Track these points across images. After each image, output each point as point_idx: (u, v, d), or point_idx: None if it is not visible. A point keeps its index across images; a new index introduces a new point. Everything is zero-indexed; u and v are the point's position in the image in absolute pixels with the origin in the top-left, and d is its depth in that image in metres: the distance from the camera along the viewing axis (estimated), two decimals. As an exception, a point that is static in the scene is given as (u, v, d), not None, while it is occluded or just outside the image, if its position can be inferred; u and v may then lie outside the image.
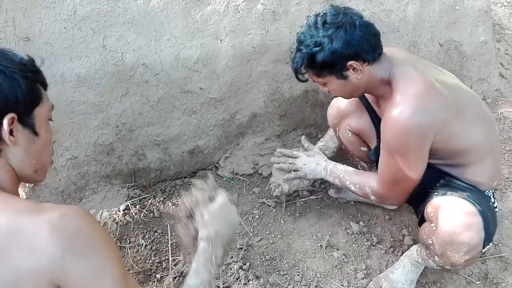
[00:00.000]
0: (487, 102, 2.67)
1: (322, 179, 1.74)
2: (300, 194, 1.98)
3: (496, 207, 1.46)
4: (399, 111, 1.29)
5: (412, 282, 1.59)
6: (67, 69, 1.63)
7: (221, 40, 1.85)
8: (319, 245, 1.77)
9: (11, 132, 0.84)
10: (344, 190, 1.94)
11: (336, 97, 1.54)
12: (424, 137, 1.31)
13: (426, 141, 1.33)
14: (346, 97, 1.54)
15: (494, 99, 2.69)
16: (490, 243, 1.42)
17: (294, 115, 2.19)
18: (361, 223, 1.87)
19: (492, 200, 1.45)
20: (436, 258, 1.41)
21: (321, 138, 1.97)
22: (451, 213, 1.33)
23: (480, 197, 1.39)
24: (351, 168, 1.64)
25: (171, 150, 1.97)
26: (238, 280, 1.62)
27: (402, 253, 1.68)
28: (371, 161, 1.74)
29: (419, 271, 1.60)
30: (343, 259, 1.72)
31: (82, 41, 1.64)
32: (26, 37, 1.57)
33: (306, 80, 1.50)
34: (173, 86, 1.83)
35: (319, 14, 1.37)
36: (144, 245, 1.73)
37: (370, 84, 1.42)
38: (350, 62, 1.34)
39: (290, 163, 1.79)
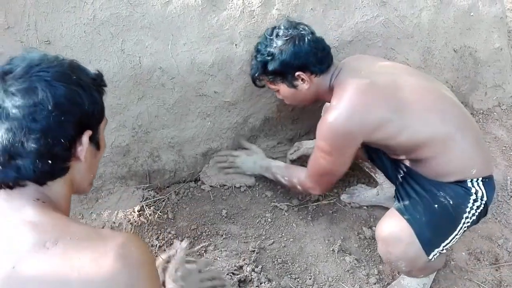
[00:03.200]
0: (502, 109, 2.65)
1: (263, 176, 1.96)
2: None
3: (482, 197, 1.38)
4: (329, 114, 1.40)
5: (425, 285, 1.59)
6: (86, 72, 1.67)
7: (236, 44, 1.87)
8: (331, 249, 1.78)
9: None
10: (357, 195, 1.97)
11: (288, 104, 1.72)
12: (349, 139, 1.41)
13: (352, 142, 1.42)
14: (298, 104, 1.72)
15: (509, 106, 2.67)
16: (438, 249, 1.39)
17: (307, 119, 2.20)
18: (373, 228, 1.87)
19: (474, 190, 1.38)
20: None
21: None
22: (379, 232, 1.44)
23: (426, 199, 1.40)
24: (282, 163, 1.87)
25: (185, 152, 1.99)
26: (250, 282, 1.63)
27: (415, 259, 1.68)
28: (368, 159, 1.79)
29: (432, 275, 1.60)
30: (355, 263, 1.72)
31: (101, 45, 1.68)
32: (47, 41, 1.61)
33: (263, 86, 1.69)
34: (188, 90, 1.86)
35: (275, 26, 1.54)
36: (158, 246, 1.75)
37: (320, 93, 1.57)
38: (298, 73, 1.49)
39: (231, 162, 2.00)
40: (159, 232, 1.82)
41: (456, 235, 1.39)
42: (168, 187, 2.03)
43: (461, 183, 1.39)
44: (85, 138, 0.80)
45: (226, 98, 1.94)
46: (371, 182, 2.08)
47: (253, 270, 1.66)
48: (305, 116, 2.19)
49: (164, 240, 1.78)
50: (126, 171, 1.91)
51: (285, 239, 1.83)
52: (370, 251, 1.78)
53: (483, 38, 2.49)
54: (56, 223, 0.74)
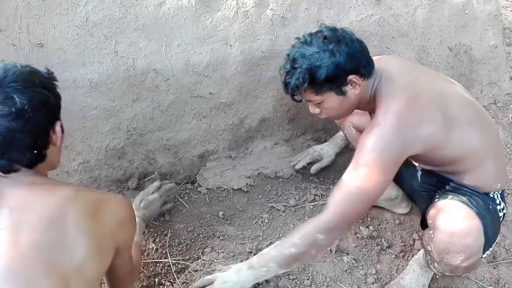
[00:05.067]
0: (497, 106, 2.66)
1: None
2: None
3: (503, 209, 1.45)
4: (376, 128, 1.29)
5: (424, 286, 1.59)
6: (80, 75, 1.66)
7: (230, 45, 1.87)
8: (328, 249, 1.77)
9: None
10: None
11: (327, 119, 1.52)
12: (396, 156, 1.30)
13: (398, 160, 1.31)
14: (339, 116, 1.52)
15: (505, 103, 2.68)
16: (491, 248, 1.41)
17: (303, 119, 2.19)
18: (371, 227, 1.87)
19: (498, 201, 1.43)
20: (436, 264, 1.42)
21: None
22: (447, 221, 1.32)
23: (481, 199, 1.39)
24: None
25: (181, 154, 1.98)
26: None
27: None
28: None
29: (430, 275, 1.59)
30: (353, 263, 1.71)
31: (94, 47, 1.67)
32: (39, 44, 1.60)
33: (301, 101, 1.46)
34: (183, 91, 1.85)
35: (314, 32, 1.36)
36: (154, 248, 1.74)
37: (362, 100, 1.42)
38: (350, 77, 1.33)
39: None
40: (155, 234, 1.80)
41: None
42: (164, 189, 2.02)
43: (486, 195, 1.42)
44: (58, 127, 1.02)
45: (221, 99, 1.93)
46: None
47: (250, 271, 1.65)
48: (302, 116, 2.18)
49: (160, 242, 1.77)
50: (122, 174, 1.90)
51: (283, 240, 1.82)
52: (367, 251, 1.78)
53: (478, 36, 2.49)
54: (62, 182, 1.03)
